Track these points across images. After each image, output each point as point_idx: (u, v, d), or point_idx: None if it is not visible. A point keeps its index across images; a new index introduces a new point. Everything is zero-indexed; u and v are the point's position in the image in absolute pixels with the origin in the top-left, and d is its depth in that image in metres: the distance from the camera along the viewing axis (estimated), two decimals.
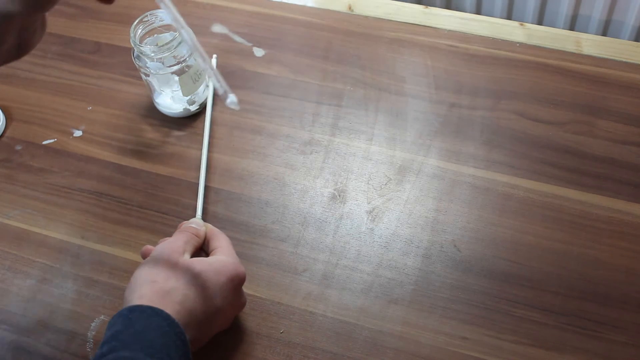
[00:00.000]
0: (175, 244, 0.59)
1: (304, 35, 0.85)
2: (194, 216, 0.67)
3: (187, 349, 0.52)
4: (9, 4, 0.46)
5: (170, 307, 0.54)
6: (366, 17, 0.86)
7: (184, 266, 0.57)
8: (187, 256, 0.59)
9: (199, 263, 0.58)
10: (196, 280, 0.56)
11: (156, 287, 0.55)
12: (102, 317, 0.65)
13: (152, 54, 0.71)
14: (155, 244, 0.67)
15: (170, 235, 0.65)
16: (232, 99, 0.51)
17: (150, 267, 0.57)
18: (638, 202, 0.68)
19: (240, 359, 0.62)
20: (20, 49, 0.51)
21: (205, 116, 0.76)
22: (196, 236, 0.62)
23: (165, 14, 0.55)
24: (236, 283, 0.59)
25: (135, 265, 0.68)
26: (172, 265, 0.57)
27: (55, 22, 0.89)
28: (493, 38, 0.82)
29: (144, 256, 0.62)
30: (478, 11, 0.90)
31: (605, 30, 0.87)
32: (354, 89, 0.79)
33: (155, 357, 0.49)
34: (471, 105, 0.77)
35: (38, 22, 0.52)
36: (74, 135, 0.78)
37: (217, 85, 0.52)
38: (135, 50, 0.73)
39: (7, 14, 0.46)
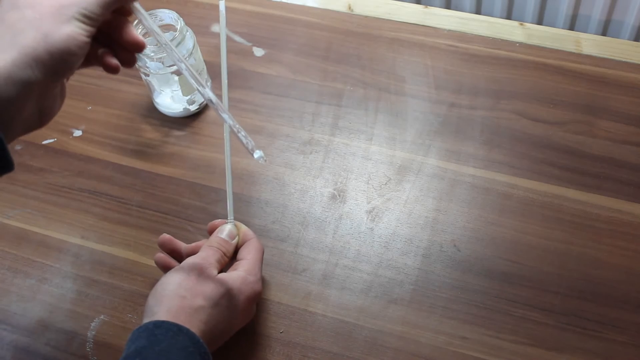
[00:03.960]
0: (207, 260, 0.59)
1: (304, 35, 0.85)
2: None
3: None
4: (29, 71, 0.46)
5: (196, 326, 0.54)
6: (366, 17, 0.86)
7: (213, 285, 0.57)
8: (215, 272, 0.59)
9: (225, 282, 0.57)
10: (221, 300, 0.56)
11: (185, 303, 0.55)
12: (102, 316, 0.65)
13: (152, 54, 0.71)
14: (155, 243, 0.67)
15: (170, 234, 0.65)
16: (259, 154, 0.54)
17: (181, 281, 0.56)
18: (638, 202, 0.68)
19: (240, 359, 0.62)
20: (41, 118, 0.51)
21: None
22: (226, 256, 0.61)
23: (188, 76, 0.57)
24: (252, 300, 0.60)
25: (135, 265, 0.68)
26: (202, 282, 0.56)
27: None
28: (493, 38, 0.82)
29: (162, 266, 0.62)
30: (478, 11, 0.90)
31: (605, 30, 0.87)
32: (353, 89, 0.79)
33: None
34: (471, 105, 0.77)
35: (57, 89, 0.52)
36: (74, 135, 0.78)
37: (244, 142, 0.54)
38: None
39: (27, 81, 0.46)
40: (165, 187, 0.73)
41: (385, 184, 0.72)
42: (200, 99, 0.78)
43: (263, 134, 0.77)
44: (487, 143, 0.74)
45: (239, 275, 0.59)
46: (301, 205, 0.71)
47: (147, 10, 0.73)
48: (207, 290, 0.56)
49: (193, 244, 0.63)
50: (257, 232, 0.69)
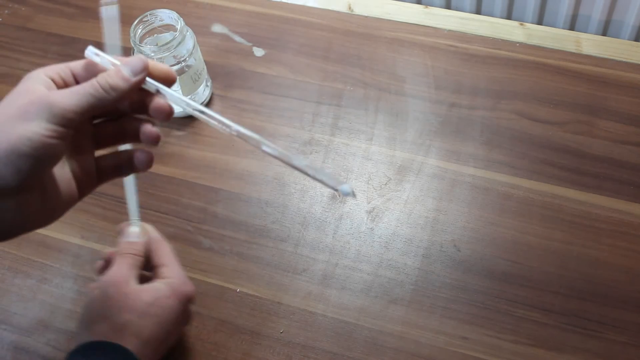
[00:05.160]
0: (121, 273, 0.57)
1: (304, 35, 0.85)
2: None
3: None
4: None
5: (127, 341, 0.53)
6: (366, 17, 0.86)
7: (135, 297, 0.55)
8: (134, 282, 0.57)
9: (148, 291, 0.56)
10: (149, 309, 0.55)
11: (111, 322, 0.54)
12: None
13: (152, 54, 0.71)
14: None
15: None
16: (345, 189, 0.48)
17: (101, 302, 0.55)
18: (638, 202, 0.68)
19: (240, 359, 0.62)
20: (22, 223, 0.47)
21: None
22: (138, 256, 0.59)
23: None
24: (185, 302, 0.58)
25: None
26: (122, 297, 0.55)
27: (55, 22, 0.89)
28: (493, 38, 0.82)
29: (98, 271, 0.60)
30: (478, 11, 0.90)
31: (605, 30, 0.87)
32: (354, 89, 0.79)
33: None
34: (471, 105, 0.77)
35: (35, 195, 0.46)
36: None
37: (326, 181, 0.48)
38: (135, 50, 0.72)
39: None
40: (165, 187, 0.73)
41: (385, 184, 0.72)
42: (200, 99, 0.78)
43: (263, 134, 0.76)
44: (487, 143, 0.74)
45: (165, 282, 0.57)
46: (301, 205, 0.71)
47: (147, 10, 0.74)
48: (130, 303, 0.55)
49: (110, 251, 0.61)
50: (257, 232, 0.69)
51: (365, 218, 0.69)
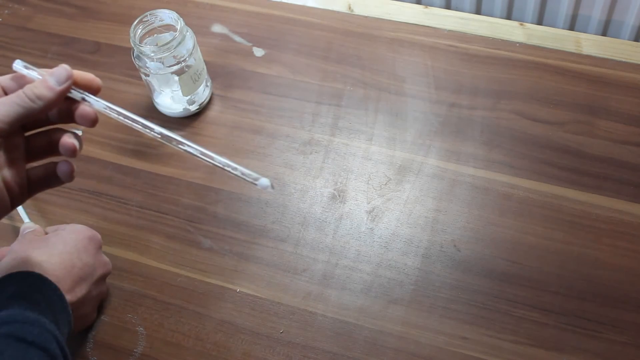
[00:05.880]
0: (25, 237, 0.62)
1: (304, 35, 0.85)
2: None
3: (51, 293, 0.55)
4: None
5: (36, 268, 0.56)
6: (366, 17, 0.86)
7: (39, 239, 0.60)
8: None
9: (51, 234, 0.62)
10: (53, 243, 0.60)
11: (18, 258, 0.57)
12: (102, 317, 0.65)
13: (152, 54, 0.71)
14: (155, 243, 0.68)
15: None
16: (263, 183, 0.51)
17: (10, 252, 0.59)
18: (638, 202, 0.68)
19: (240, 359, 0.62)
20: None
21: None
22: (38, 233, 0.64)
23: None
24: (94, 241, 0.63)
25: (135, 265, 0.68)
26: (27, 242, 0.60)
27: (55, 22, 0.89)
28: (493, 38, 0.82)
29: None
30: (478, 11, 0.90)
31: (605, 30, 0.87)
32: (353, 89, 0.79)
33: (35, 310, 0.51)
34: (471, 105, 0.77)
35: None
36: None
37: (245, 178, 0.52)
38: (135, 50, 0.72)
39: None
40: (165, 187, 0.73)
41: (385, 184, 0.72)
42: (200, 99, 0.78)
43: (263, 134, 0.77)
44: (487, 143, 0.74)
45: (67, 227, 0.63)
46: (301, 205, 0.71)
47: (147, 10, 0.74)
48: (35, 243, 0.60)
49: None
50: (257, 233, 0.69)
51: (365, 218, 0.69)
